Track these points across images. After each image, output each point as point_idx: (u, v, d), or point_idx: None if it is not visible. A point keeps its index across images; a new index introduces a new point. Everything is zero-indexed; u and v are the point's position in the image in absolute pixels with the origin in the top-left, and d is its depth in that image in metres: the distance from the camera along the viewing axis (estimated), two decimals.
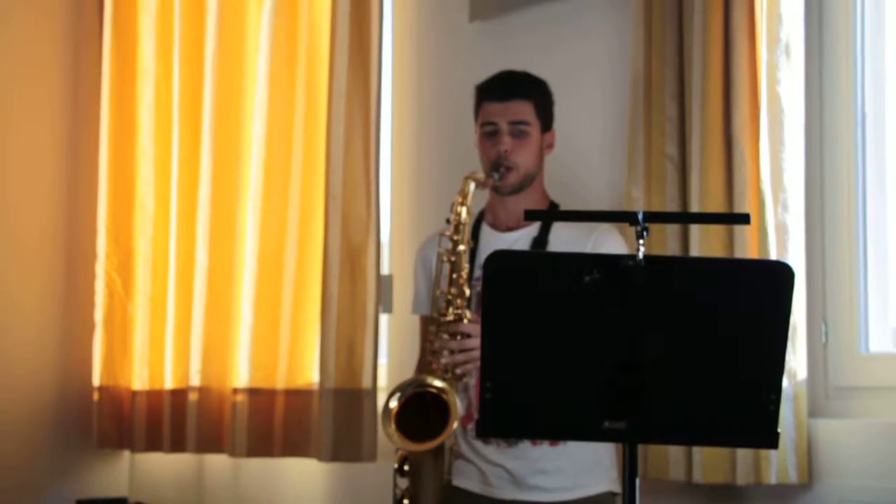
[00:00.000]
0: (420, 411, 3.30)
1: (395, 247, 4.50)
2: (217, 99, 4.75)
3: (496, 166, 3.41)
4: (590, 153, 3.83)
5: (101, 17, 5.23)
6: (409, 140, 4.47)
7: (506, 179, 3.41)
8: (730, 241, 3.40)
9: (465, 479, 3.43)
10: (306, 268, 4.46)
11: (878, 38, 3.46)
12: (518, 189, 3.44)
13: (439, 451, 3.35)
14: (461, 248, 3.38)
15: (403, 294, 4.42)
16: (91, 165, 5.19)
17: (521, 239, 3.43)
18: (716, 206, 3.41)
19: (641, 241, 2.33)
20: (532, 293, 2.35)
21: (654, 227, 3.47)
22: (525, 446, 3.38)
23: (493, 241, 3.45)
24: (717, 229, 3.42)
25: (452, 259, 3.38)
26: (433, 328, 3.38)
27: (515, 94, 3.45)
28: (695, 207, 3.44)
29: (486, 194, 3.53)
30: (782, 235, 3.34)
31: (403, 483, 3.42)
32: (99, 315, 5.11)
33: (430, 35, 4.44)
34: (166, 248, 4.93)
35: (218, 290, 4.70)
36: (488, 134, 3.45)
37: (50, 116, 5.21)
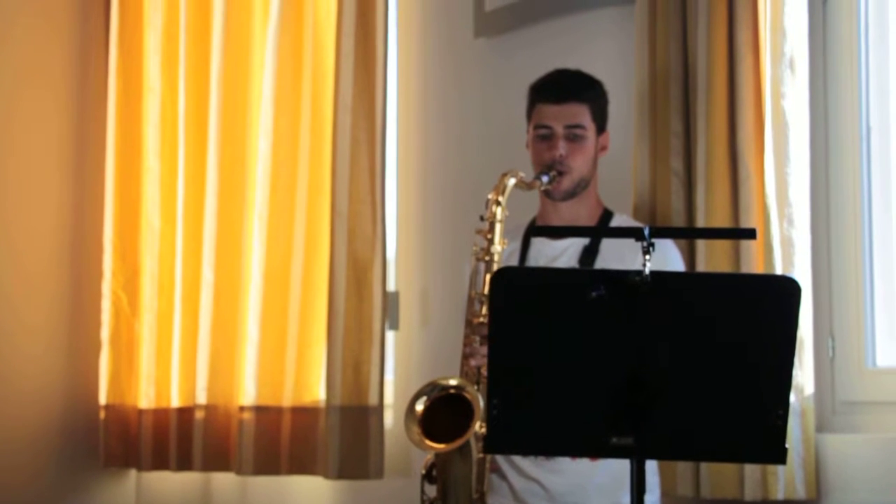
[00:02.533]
0: (448, 419, 3.16)
1: (401, 263, 4.49)
2: (223, 116, 4.75)
3: (548, 169, 3.32)
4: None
5: (106, 34, 5.23)
6: (415, 156, 4.47)
7: (558, 185, 3.33)
8: (736, 256, 3.39)
9: (498, 497, 3.31)
10: (312, 285, 4.46)
11: (883, 52, 3.46)
12: (571, 194, 3.36)
13: (467, 456, 3.22)
14: (496, 247, 3.28)
15: (410, 311, 4.41)
16: (97, 183, 5.18)
17: (571, 247, 3.35)
18: (721, 220, 3.40)
19: (647, 257, 2.33)
20: (538, 309, 2.35)
21: None
22: (564, 460, 3.25)
23: (544, 248, 3.38)
24: (722, 244, 3.42)
25: (487, 259, 3.28)
26: (466, 331, 3.28)
27: (571, 96, 3.37)
28: (700, 222, 3.44)
29: (528, 198, 3.44)
30: (788, 250, 3.34)
31: (431, 491, 3.31)
32: (105, 333, 5.10)
33: (435, 51, 4.45)
34: (172, 265, 4.93)
35: (224, 308, 4.70)
36: (542, 137, 3.37)
37: (56, 134, 5.21)
